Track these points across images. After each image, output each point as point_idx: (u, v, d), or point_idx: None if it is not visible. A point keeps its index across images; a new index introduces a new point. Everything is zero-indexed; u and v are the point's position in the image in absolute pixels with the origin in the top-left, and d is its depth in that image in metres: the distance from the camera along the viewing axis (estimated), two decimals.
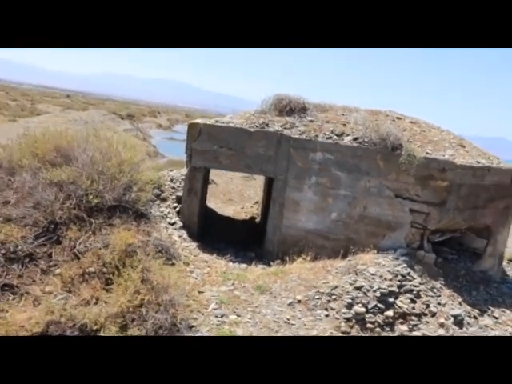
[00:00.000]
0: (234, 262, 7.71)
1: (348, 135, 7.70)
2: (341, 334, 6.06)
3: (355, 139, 7.58)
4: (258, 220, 10.96)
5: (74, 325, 5.31)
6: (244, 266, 7.65)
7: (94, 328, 5.34)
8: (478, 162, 7.36)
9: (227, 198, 14.14)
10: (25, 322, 5.24)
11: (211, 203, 11.90)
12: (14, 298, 5.52)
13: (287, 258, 7.55)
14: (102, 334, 5.20)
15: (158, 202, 8.35)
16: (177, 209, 8.39)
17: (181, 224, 8.17)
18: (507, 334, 6.49)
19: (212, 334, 5.71)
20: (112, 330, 5.24)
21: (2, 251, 5.87)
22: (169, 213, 8.21)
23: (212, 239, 8.47)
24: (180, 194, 8.47)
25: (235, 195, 14.90)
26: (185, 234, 8.02)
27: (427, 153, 7.31)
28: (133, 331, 5.28)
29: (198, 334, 5.73)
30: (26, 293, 5.69)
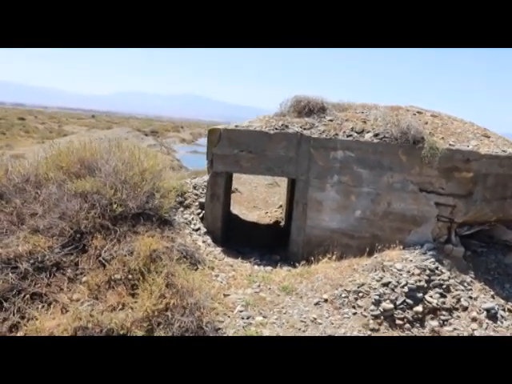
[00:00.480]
0: (259, 265, 7.69)
1: (368, 132, 7.63)
2: (369, 332, 5.97)
3: (376, 135, 7.50)
4: (282, 224, 10.93)
5: (100, 330, 5.38)
6: (269, 268, 7.62)
7: (121, 333, 5.40)
8: (504, 151, 7.17)
9: (252, 206, 14.17)
10: (54, 329, 5.33)
11: (235, 210, 11.93)
12: (42, 306, 5.62)
13: (312, 259, 7.49)
14: None
15: (181, 209, 8.40)
16: (200, 215, 8.43)
17: (205, 230, 8.20)
18: None
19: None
20: (139, 334, 5.28)
21: (31, 261, 5.99)
22: (192, 219, 8.25)
23: (236, 244, 8.48)
24: (203, 200, 8.52)
25: (259, 202, 14.91)
26: (209, 240, 8.04)
27: (450, 144, 7.17)
28: (159, 335, 5.32)
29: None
30: (55, 301, 5.79)
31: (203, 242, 7.85)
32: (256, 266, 7.62)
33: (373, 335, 5.90)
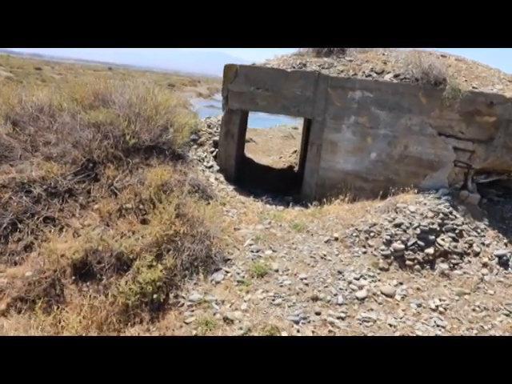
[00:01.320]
0: (270, 204, 7.68)
1: (389, 72, 7.40)
2: (378, 271, 5.98)
3: (396, 76, 7.28)
4: (296, 169, 10.85)
5: (111, 254, 5.47)
6: (281, 207, 7.61)
7: (130, 257, 5.49)
8: None
9: (266, 154, 14.08)
10: (66, 251, 5.45)
11: (250, 156, 11.86)
12: (55, 230, 5.72)
13: (325, 201, 7.44)
14: (137, 262, 5.32)
15: (194, 146, 8.36)
16: (214, 153, 8.39)
17: (218, 168, 8.18)
18: None
19: (247, 268, 5.73)
20: (148, 259, 5.34)
21: (44, 186, 6.07)
22: (206, 157, 8.21)
23: (249, 185, 8.44)
24: (217, 138, 8.45)
25: (274, 152, 14.79)
26: (222, 177, 8.03)
27: (473, 87, 6.93)
28: (168, 260, 5.38)
29: (233, 268, 5.78)
30: (67, 225, 5.88)
31: (216, 179, 7.84)
32: (268, 205, 7.62)
33: (381, 275, 5.93)
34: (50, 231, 5.65)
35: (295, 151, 12.33)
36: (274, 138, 17.27)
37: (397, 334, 4.95)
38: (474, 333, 5.17)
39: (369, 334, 4.89)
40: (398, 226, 6.33)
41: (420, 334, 4.99)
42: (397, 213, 6.57)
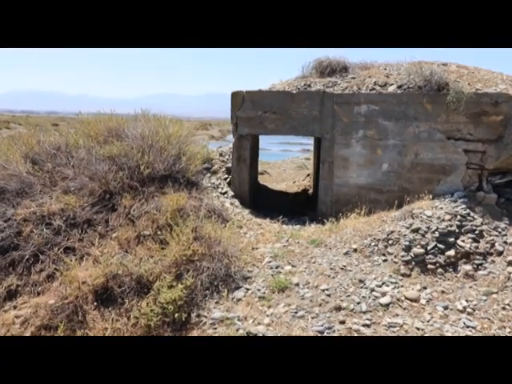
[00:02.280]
0: (287, 225, 7.69)
1: (392, 84, 7.54)
2: (401, 277, 5.89)
3: (399, 87, 7.40)
4: (310, 192, 10.89)
5: (131, 277, 5.53)
6: (298, 227, 7.61)
7: (150, 279, 5.52)
8: None
9: (280, 181, 14.19)
10: (86, 278, 5.52)
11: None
12: (75, 259, 5.82)
13: (341, 216, 7.44)
14: (157, 283, 5.35)
15: (208, 174, 8.49)
16: (227, 180, 8.51)
17: (232, 193, 8.27)
18: None
19: (268, 284, 5.71)
20: (168, 279, 5.37)
21: (63, 218, 6.22)
22: (220, 184, 8.33)
23: (264, 209, 8.50)
24: (230, 165, 8.59)
25: (288, 180, 14.90)
26: (237, 202, 8.11)
27: (477, 89, 6.99)
28: (187, 280, 5.39)
29: (254, 285, 5.76)
30: (87, 254, 5.99)
31: (231, 203, 7.92)
32: (284, 226, 7.63)
33: (404, 281, 5.83)
34: (71, 260, 5.75)
35: (308, 175, 12.42)
36: (287, 170, 17.43)
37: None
38: (506, 331, 5.02)
39: None
40: (415, 231, 6.28)
41: (449, 336, 4.86)
42: (413, 219, 6.53)
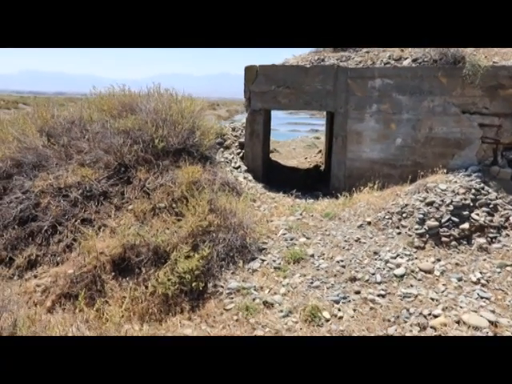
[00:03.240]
0: (300, 199, 7.72)
1: (406, 58, 7.48)
2: (415, 249, 5.92)
3: (414, 60, 7.35)
4: (322, 168, 10.90)
5: (148, 248, 5.60)
6: (311, 201, 7.65)
7: (167, 249, 5.59)
8: None
9: (292, 157, 14.22)
10: (104, 249, 5.60)
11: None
12: (93, 230, 5.89)
13: (354, 190, 7.46)
14: (174, 253, 5.42)
15: (221, 149, 8.52)
16: (240, 154, 8.53)
17: (245, 168, 8.30)
18: None
19: (283, 255, 5.77)
20: (184, 249, 5.43)
21: (80, 190, 6.28)
22: (233, 158, 8.36)
23: (277, 184, 8.53)
24: (242, 140, 8.60)
25: (299, 156, 14.92)
26: (250, 176, 8.14)
27: (494, 62, 6.93)
28: (204, 250, 5.45)
29: (269, 256, 5.82)
30: (103, 225, 6.06)
31: (244, 178, 7.95)
32: (298, 200, 7.67)
33: (418, 253, 5.87)
34: (89, 231, 5.83)
35: (320, 151, 12.42)
36: (297, 148, 17.41)
37: (440, 307, 4.87)
38: None
39: (411, 309, 4.83)
40: (430, 204, 6.29)
41: (464, 306, 4.90)
42: (428, 192, 6.53)
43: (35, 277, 5.52)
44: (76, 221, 5.94)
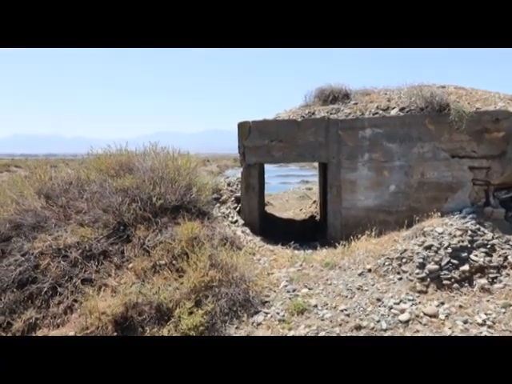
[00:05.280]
0: (299, 250, 7.73)
1: (394, 108, 7.77)
2: (417, 294, 5.91)
3: (401, 109, 7.64)
4: (317, 218, 10.97)
5: (150, 306, 5.54)
6: (310, 251, 7.66)
7: (170, 306, 5.53)
8: None
9: (286, 210, 14.27)
10: (106, 309, 5.52)
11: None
12: (93, 290, 5.83)
13: (352, 238, 7.51)
14: (177, 310, 5.36)
15: (217, 204, 8.60)
16: (237, 208, 8.60)
17: (242, 222, 8.35)
18: None
19: (286, 307, 5.73)
20: (187, 305, 5.38)
21: (79, 250, 6.27)
22: (230, 213, 8.42)
23: (274, 237, 8.56)
24: (238, 194, 8.70)
25: (293, 208, 14.98)
26: (247, 230, 8.17)
27: (477, 108, 7.22)
28: (207, 306, 5.41)
29: (272, 308, 5.78)
30: (104, 285, 6.01)
31: (242, 232, 7.98)
32: (296, 251, 7.67)
33: (420, 297, 5.85)
34: (89, 291, 5.77)
35: (314, 201, 12.53)
36: (290, 200, 17.53)
37: None
38: None
39: None
40: (428, 248, 6.35)
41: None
42: (425, 236, 6.61)
43: None
44: (76, 281, 5.89)
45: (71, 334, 5.26)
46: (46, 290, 5.74)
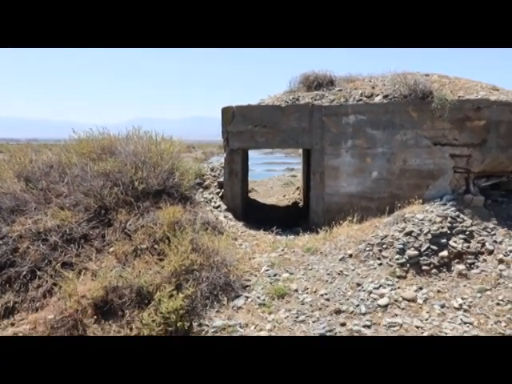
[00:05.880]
0: (281, 236, 7.76)
1: (378, 95, 7.79)
2: (397, 279, 5.99)
3: (385, 97, 7.66)
4: (301, 205, 11.00)
5: (131, 289, 5.52)
6: (292, 237, 7.70)
7: (150, 289, 5.52)
8: None
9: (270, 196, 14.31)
10: (86, 292, 5.49)
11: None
12: (73, 274, 5.79)
13: (334, 224, 7.55)
14: (158, 293, 5.35)
15: (200, 189, 8.58)
16: (220, 194, 8.60)
17: (225, 207, 8.35)
18: None
19: (267, 291, 5.76)
20: (168, 289, 5.37)
21: (60, 234, 6.21)
22: (212, 198, 8.41)
23: (257, 223, 8.57)
24: (221, 179, 8.69)
25: (277, 195, 15.02)
26: (230, 215, 8.18)
27: (459, 96, 7.27)
28: (188, 290, 5.41)
29: (253, 293, 5.81)
30: (84, 269, 5.97)
31: (224, 217, 7.99)
32: (278, 236, 7.70)
33: (400, 283, 5.93)
34: (69, 275, 5.73)
35: (298, 188, 12.56)
36: (274, 187, 17.57)
37: (425, 334, 4.92)
38: (502, 325, 5.13)
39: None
40: (408, 234, 6.42)
41: (448, 332, 4.96)
42: (406, 222, 6.68)
43: (12, 325, 5.34)
44: (56, 265, 5.83)
45: (50, 317, 5.23)
46: (24, 273, 5.68)
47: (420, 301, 5.56)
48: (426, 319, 5.22)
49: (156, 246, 6.31)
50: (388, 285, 5.81)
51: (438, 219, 6.56)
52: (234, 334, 4.98)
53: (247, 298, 5.68)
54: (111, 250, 6.27)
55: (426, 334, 4.91)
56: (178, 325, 5.08)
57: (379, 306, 5.40)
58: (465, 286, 5.89)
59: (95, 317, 5.33)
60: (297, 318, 5.24)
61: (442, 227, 6.46)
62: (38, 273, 5.75)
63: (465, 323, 5.15)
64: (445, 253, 6.21)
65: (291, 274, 6.20)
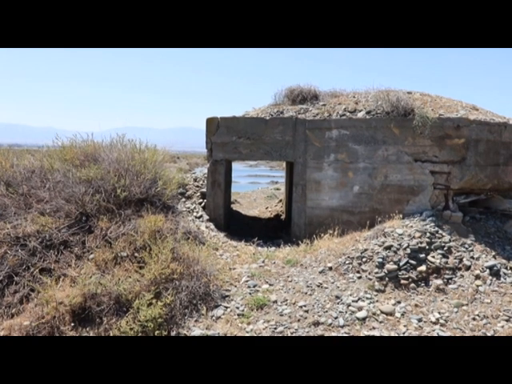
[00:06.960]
0: (262, 247, 7.79)
1: (361, 110, 7.91)
2: (375, 293, 6.04)
3: (368, 112, 7.78)
4: (283, 217, 11.05)
5: (109, 297, 5.48)
6: (273, 249, 7.73)
7: (129, 297, 5.49)
8: (492, 120, 7.43)
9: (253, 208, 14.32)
10: (63, 299, 5.43)
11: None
12: (52, 280, 5.72)
13: (315, 237, 7.61)
14: (136, 301, 5.32)
15: (183, 199, 8.58)
16: (202, 204, 8.60)
17: (207, 217, 8.35)
18: None
19: (246, 302, 5.77)
20: (147, 297, 5.35)
21: (39, 240, 6.14)
22: (195, 208, 8.41)
23: (238, 234, 8.59)
24: (204, 190, 8.70)
25: (260, 206, 15.05)
26: (212, 226, 8.19)
27: (440, 115, 7.43)
28: (166, 299, 5.39)
29: (232, 303, 5.80)
30: (63, 275, 5.91)
31: (206, 227, 7.98)
32: (259, 248, 7.73)
33: (378, 296, 5.99)
34: (47, 282, 5.66)
35: (280, 200, 12.62)
36: (257, 199, 17.61)
37: None
38: None
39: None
40: (388, 248, 6.50)
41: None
42: (385, 237, 6.76)
43: None
44: (34, 271, 5.77)
45: (26, 323, 5.15)
46: (1, 278, 5.60)
47: (398, 314, 5.61)
48: (404, 333, 5.27)
49: (136, 254, 6.27)
50: (367, 298, 5.86)
51: (418, 234, 6.66)
52: None
53: (226, 308, 5.68)
54: (91, 256, 6.22)
55: None
56: (155, 333, 5.06)
57: (357, 318, 5.44)
58: (442, 300, 5.97)
59: (72, 324, 5.27)
60: (275, 329, 5.24)
61: (421, 242, 6.55)
62: (16, 278, 5.67)
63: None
64: (423, 267, 6.30)
65: (271, 285, 6.22)
